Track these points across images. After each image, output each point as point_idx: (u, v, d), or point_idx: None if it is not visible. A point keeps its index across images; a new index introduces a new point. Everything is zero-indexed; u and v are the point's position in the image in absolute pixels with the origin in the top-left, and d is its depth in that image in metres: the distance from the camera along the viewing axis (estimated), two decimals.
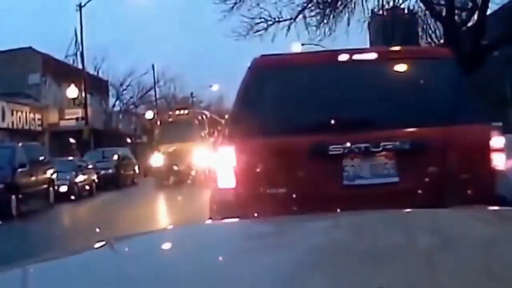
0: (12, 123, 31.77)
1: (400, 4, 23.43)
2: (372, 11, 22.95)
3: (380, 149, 4.64)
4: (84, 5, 33.03)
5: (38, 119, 34.90)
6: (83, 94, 34.58)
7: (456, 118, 4.84)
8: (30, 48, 35.72)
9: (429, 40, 27.39)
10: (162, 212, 16.09)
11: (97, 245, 1.59)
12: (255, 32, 20.17)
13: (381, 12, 24.50)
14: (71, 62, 38.71)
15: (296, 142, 4.70)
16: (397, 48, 6.32)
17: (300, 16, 20.00)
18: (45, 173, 18.69)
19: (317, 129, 4.73)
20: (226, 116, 14.11)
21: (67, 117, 36.00)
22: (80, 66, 35.53)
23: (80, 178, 22.77)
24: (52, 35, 61.51)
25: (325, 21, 20.04)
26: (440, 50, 7.26)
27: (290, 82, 5.12)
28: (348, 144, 4.60)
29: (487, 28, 17.20)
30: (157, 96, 52.27)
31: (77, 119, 35.11)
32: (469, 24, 19.34)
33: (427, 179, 4.61)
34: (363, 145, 4.60)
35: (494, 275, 1.14)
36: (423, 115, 4.85)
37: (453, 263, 1.20)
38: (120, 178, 28.64)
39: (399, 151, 4.66)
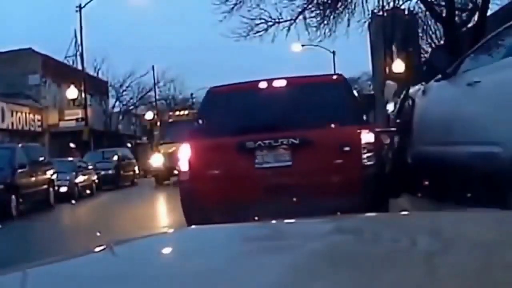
0: (12, 123, 31.79)
1: (401, 5, 23.45)
2: (372, 12, 22.89)
3: (279, 143, 7.12)
4: (84, 6, 33.14)
5: (38, 120, 34.93)
6: (83, 95, 34.64)
7: (336, 122, 7.15)
8: (30, 49, 35.72)
9: (429, 40, 27.37)
10: (162, 213, 16.08)
11: (97, 248, 1.59)
12: (255, 33, 20.26)
13: (381, 13, 24.43)
14: (71, 63, 38.72)
15: (228, 141, 7.24)
16: (301, 76, 8.34)
17: (300, 17, 20.03)
18: (45, 173, 18.69)
19: (240, 132, 7.28)
20: None
21: (67, 117, 36.02)
22: (80, 67, 35.57)
23: (80, 178, 22.79)
24: (52, 36, 61.41)
25: (325, 22, 20.05)
26: (333, 76, 9.67)
27: (228, 102, 7.59)
28: (259, 142, 7.10)
29: (487, 29, 17.19)
30: (157, 97, 52.29)
31: (77, 120, 35.15)
32: (470, 24, 19.36)
33: (311, 164, 7.01)
34: (268, 141, 7.10)
35: (495, 278, 1.14)
36: (312, 121, 7.19)
37: (453, 267, 1.19)
38: (120, 178, 28.68)
39: (292, 145, 7.10)
